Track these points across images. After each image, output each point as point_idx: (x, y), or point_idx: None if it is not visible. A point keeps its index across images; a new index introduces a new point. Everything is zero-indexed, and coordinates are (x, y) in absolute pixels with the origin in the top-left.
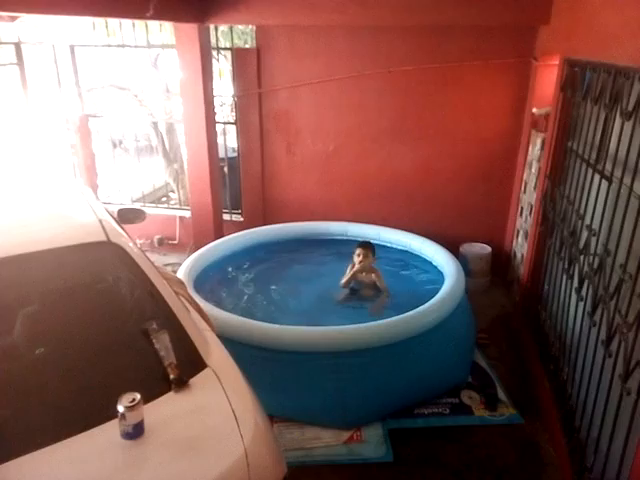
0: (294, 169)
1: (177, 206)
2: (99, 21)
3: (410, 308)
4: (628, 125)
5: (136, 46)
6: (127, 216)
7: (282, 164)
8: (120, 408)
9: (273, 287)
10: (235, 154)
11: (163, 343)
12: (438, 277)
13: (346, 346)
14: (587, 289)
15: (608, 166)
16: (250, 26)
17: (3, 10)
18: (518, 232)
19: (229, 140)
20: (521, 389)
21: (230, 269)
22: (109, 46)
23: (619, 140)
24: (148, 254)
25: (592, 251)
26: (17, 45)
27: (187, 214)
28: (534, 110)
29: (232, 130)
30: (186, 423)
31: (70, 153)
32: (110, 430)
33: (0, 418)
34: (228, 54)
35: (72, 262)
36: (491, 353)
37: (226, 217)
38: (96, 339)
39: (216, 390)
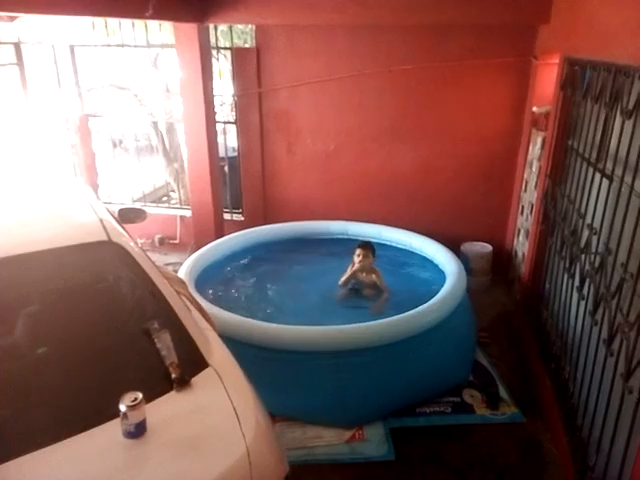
0: (294, 168)
1: (178, 205)
2: (99, 21)
3: (411, 307)
4: (628, 124)
5: (136, 46)
6: (128, 216)
7: (282, 163)
8: (122, 407)
9: (274, 286)
10: (235, 153)
11: (164, 342)
12: (439, 276)
13: (347, 345)
14: (588, 288)
15: (609, 165)
16: (250, 25)
17: (3, 10)
18: (519, 231)
19: (229, 139)
20: (523, 388)
21: (231, 268)
22: (109, 46)
23: (619, 139)
24: (149, 254)
25: (593, 250)
26: (17, 45)
27: (188, 213)
28: (534, 109)
29: (232, 129)
30: (188, 422)
31: (70, 153)
32: (112, 429)
33: (1, 418)
34: (228, 53)
35: (73, 262)
36: (492, 352)
37: (227, 216)
38: (97, 339)
39: (218, 389)
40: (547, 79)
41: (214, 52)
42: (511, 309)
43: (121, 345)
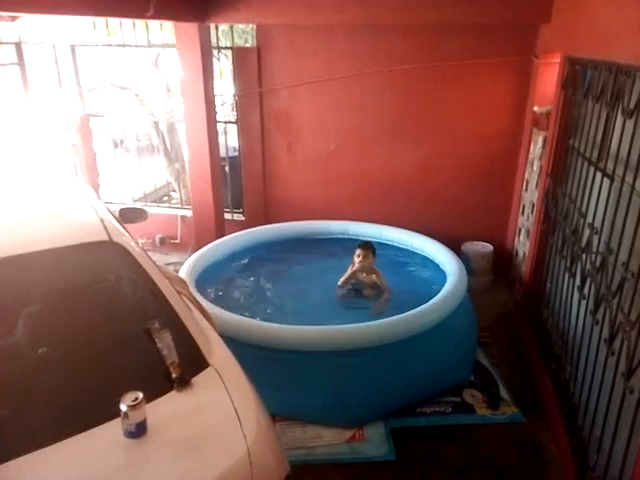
0: (295, 168)
1: (178, 205)
2: (100, 21)
3: (412, 307)
4: (629, 123)
5: (137, 45)
6: (129, 215)
7: (283, 163)
8: (123, 407)
9: (274, 286)
10: (236, 153)
11: (165, 342)
12: (440, 276)
13: (347, 345)
14: (589, 287)
15: (610, 164)
16: (250, 25)
17: (4, 10)
18: (520, 230)
19: (230, 139)
20: (523, 388)
21: (231, 268)
22: (110, 46)
23: (621, 138)
24: (150, 253)
25: (594, 249)
26: (18, 45)
27: (188, 213)
28: (535, 108)
29: (233, 129)
30: (188, 422)
31: (71, 153)
32: (113, 429)
33: (1, 418)
34: (229, 53)
35: (74, 261)
36: (493, 352)
37: (227, 216)
38: (98, 338)
39: (218, 389)
40: (548, 78)
41: (215, 52)
42: (512, 309)
43: (122, 345)
